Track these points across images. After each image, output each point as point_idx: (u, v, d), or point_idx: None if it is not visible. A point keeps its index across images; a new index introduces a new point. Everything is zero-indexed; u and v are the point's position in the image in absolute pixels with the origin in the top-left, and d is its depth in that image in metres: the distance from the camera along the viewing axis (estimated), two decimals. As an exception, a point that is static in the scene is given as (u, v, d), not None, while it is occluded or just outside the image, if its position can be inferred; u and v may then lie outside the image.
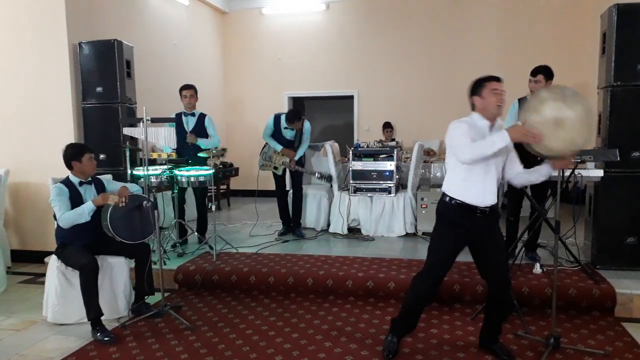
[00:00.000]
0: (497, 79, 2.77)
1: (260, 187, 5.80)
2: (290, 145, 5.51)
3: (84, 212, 3.49)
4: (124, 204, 3.52)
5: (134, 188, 3.78)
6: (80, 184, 3.65)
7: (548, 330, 3.16)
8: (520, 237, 4.36)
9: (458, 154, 2.72)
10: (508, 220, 4.49)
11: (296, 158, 5.49)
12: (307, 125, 5.55)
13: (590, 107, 2.68)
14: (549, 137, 2.61)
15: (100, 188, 3.74)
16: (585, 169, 3.95)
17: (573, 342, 3.21)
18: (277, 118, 5.54)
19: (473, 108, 2.84)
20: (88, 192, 3.67)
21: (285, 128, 5.48)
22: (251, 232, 5.85)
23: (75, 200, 3.57)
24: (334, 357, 3.07)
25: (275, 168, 5.51)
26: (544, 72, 4.18)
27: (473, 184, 2.77)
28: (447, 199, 2.86)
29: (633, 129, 4.05)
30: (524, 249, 4.25)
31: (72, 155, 3.61)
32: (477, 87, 2.79)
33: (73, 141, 5.04)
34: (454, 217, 2.84)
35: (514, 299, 3.48)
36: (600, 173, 3.98)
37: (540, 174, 2.84)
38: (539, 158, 2.90)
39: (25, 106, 5.25)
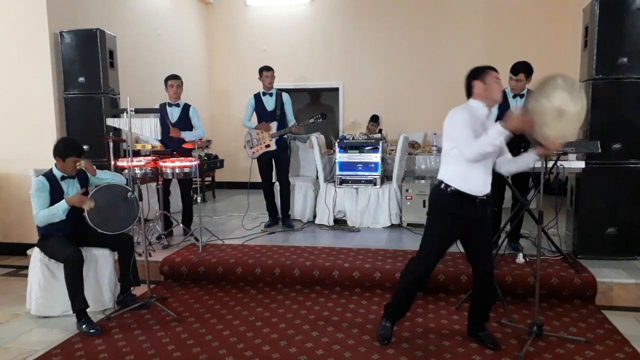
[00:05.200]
0: (497, 70, 2.85)
1: (246, 179, 5.78)
2: (272, 116, 5.50)
3: (58, 212, 3.43)
4: (91, 207, 3.42)
5: (115, 177, 3.75)
6: (63, 178, 3.58)
7: (531, 318, 3.21)
8: (503, 227, 4.42)
9: (462, 150, 2.73)
10: (492, 211, 4.54)
11: (290, 125, 5.49)
12: (285, 96, 5.60)
13: (585, 105, 2.69)
14: (549, 125, 2.62)
15: (84, 180, 3.69)
16: (567, 160, 4.03)
17: (555, 329, 3.28)
18: (255, 94, 5.60)
19: (469, 94, 2.86)
20: (71, 187, 3.61)
21: (264, 94, 5.53)
22: (242, 222, 5.82)
23: (57, 194, 3.52)
24: (321, 347, 3.09)
25: (268, 146, 5.49)
26: (524, 70, 4.23)
27: (474, 174, 2.79)
28: (444, 186, 2.86)
29: (614, 122, 4.12)
30: (507, 239, 4.31)
31: (58, 151, 3.53)
32: (481, 72, 2.83)
33: (55, 132, 5.02)
34: (450, 205, 2.85)
35: (497, 288, 3.54)
36: (581, 165, 4.06)
37: (525, 161, 2.87)
38: (522, 146, 2.90)
39: (5, 97, 5.15)
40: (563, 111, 2.61)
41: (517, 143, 2.91)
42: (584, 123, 4.16)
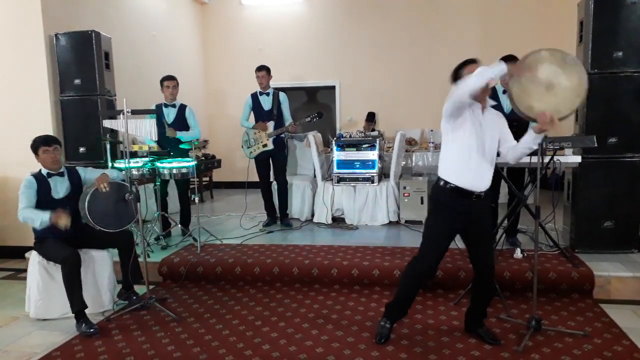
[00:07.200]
0: (473, 62, 2.74)
1: (243, 178, 5.78)
2: (269, 115, 5.49)
3: (37, 221, 3.40)
4: (106, 189, 3.49)
5: (113, 174, 3.75)
6: (49, 175, 3.60)
7: (529, 313, 3.22)
8: (500, 223, 4.43)
9: (445, 109, 2.68)
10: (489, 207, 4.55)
11: (287, 124, 5.47)
12: (282, 95, 5.58)
13: (585, 78, 2.64)
14: (536, 97, 2.55)
15: (76, 180, 3.69)
16: (563, 155, 4.04)
17: (554, 323, 3.29)
18: (252, 94, 5.59)
19: None
20: (59, 185, 3.62)
21: (261, 94, 5.52)
22: (240, 222, 5.82)
23: (44, 192, 3.55)
24: (321, 345, 3.10)
25: (265, 145, 5.48)
26: (512, 62, 4.23)
27: (470, 169, 2.77)
28: (442, 182, 2.85)
29: (609, 116, 4.14)
30: (504, 234, 4.32)
31: (32, 148, 3.59)
32: (457, 78, 2.79)
33: (51, 134, 4.97)
34: (449, 201, 2.84)
35: (495, 284, 3.55)
36: (578, 159, 4.08)
37: (525, 142, 2.80)
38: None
39: (1, 100, 5.14)
40: (553, 85, 2.56)
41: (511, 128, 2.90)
42: (582, 117, 4.19)
